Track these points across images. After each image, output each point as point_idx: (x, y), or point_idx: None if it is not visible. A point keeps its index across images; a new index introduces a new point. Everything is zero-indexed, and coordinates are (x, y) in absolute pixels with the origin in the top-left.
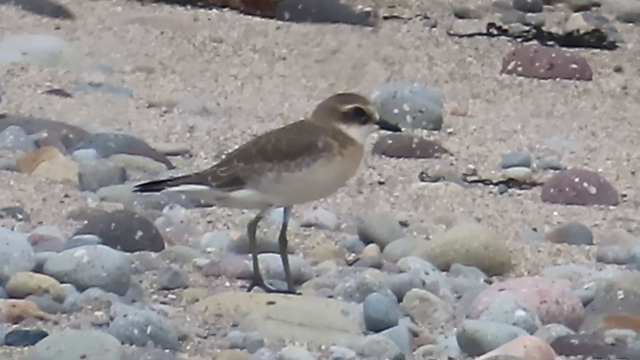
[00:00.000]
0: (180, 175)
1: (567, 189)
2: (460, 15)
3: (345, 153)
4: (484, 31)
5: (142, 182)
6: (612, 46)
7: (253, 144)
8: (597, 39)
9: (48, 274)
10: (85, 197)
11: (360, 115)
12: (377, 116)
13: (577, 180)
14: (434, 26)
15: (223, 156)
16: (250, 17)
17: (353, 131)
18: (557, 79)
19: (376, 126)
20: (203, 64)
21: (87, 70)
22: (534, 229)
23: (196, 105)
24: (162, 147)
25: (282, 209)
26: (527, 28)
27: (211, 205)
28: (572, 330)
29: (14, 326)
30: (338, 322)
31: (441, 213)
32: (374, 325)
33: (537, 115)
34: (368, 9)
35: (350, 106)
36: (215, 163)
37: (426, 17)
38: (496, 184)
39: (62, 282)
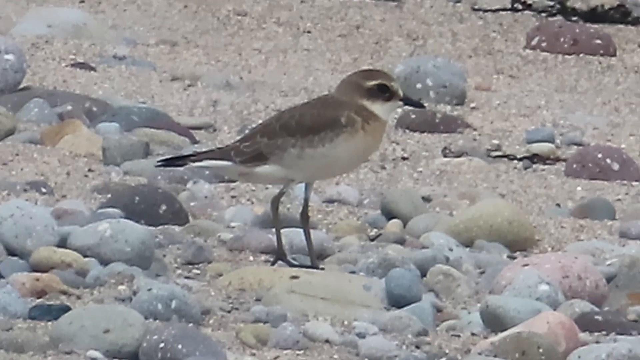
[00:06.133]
0: (203, 150)
1: (591, 165)
2: None
3: (368, 129)
4: (508, 6)
5: (165, 157)
6: (636, 22)
7: (276, 119)
8: (622, 15)
9: (71, 248)
10: (109, 171)
11: (384, 92)
12: (401, 93)
13: (600, 156)
14: (458, 1)
15: (246, 131)
16: None
17: (377, 107)
18: (581, 55)
19: (400, 103)
20: (227, 38)
21: (111, 43)
22: (558, 205)
23: (220, 79)
24: (185, 121)
25: (303, 184)
26: (551, 3)
27: (235, 181)
28: (596, 306)
29: (38, 300)
30: (360, 297)
31: (464, 188)
32: (396, 300)
33: (561, 90)
34: None
35: (375, 82)
36: (238, 138)
37: None
38: (520, 160)
39: (85, 256)
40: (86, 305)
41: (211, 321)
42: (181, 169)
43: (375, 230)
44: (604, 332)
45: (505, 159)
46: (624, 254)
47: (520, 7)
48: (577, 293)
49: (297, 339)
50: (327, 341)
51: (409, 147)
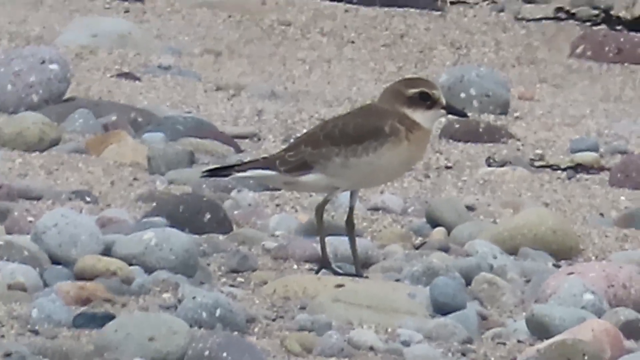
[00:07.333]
0: (248, 160)
1: (635, 174)
2: None
3: (411, 138)
4: (552, 15)
5: (210, 167)
6: None
7: (320, 128)
8: None
9: (116, 256)
10: (154, 180)
11: (426, 100)
12: (443, 101)
13: None
14: (502, 11)
15: (291, 140)
16: (318, 0)
17: (418, 116)
18: (626, 64)
19: (443, 111)
20: (271, 48)
21: (155, 53)
22: (601, 214)
23: (264, 89)
24: (230, 130)
25: (349, 192)
26: (595, 12)
27: (279, 189)
28: None
29: (82, 308)
30: (405, 305)
31: (508, 198)
32: (441, 308)
33: (606, 100)
34: None
35: (416, 90)
36: (282, 147)
37: (493, 2)
38: (564, 169)
39: (130, 265)
40: (131, 313)
41: (256, 329)
42: (226, 178)
43: (419, 238)
44: None
45: (548, 169)
46: None
47: (563, 16)
48: (622, 301)
49: (342, 346)
50: (371, 349)
51: (452, 156)
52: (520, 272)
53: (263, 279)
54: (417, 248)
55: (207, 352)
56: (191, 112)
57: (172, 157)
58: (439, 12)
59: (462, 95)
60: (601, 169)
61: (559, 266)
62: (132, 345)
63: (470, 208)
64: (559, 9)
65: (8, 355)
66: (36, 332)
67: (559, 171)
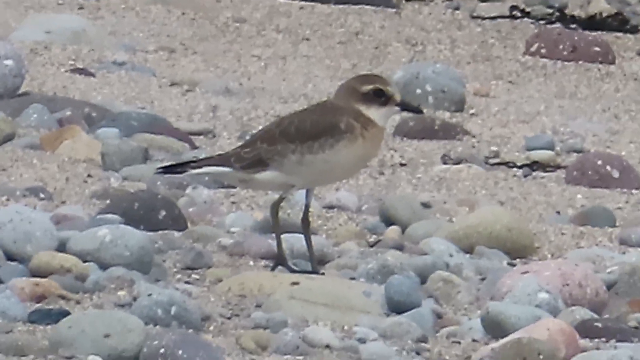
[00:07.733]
0: (202, 157)
1: (590, 172)
2: None
3: (367, 135)
4: (507, 13)
5: (165, 164)
6: (634, 30)
7: (276, 125)
8: (620, 23)
9: (71, 253)
10: (108, 176)
11: (380, 96)
12: (398, 97)
13: (600, 163)
14: (457, 8)
15: (246, 137)
16: None
17: (372, 112)
18: (580, 62)
19: (397, 108)
20: (225, 45)
21: (110, 49)
22: (558, 212)
23: (219, 86)
24: (185, 126)
25: (304, 190)
26: (550, 11)
27: (234, 186)
28: (596, 313)
29: (37, 305)
30: (360, 303)
31: (463, 195)
32: (396, 306)
33: (561, 97)
34: None
35: (370, 87)
36: (238, 144)
37: (449, 0)
38: (520, 167)
39: (84, 262)
40: (86, 310)
41: (211, 327)
42: (181, 175)
43: (374, 236)
44: (604, 339)
45: (504, 166)
46: (624, 262)
47: (518, 14)
48: (578, 300)
49: (297, 344)
50: (327, 347)
51: (407, 154)
52: (475, 270)
53: (218, 276)
54: (372, 246)
55: (162, 350)
56: (145, 108)
57: (127, 154)
58: (394, 10)
59: (418, 91)
60: (557, 166)
61: (514, 264)
62: (87, 342)
63: (425, 205)
64: (514, 7)
65: None
66: None
67: (515, 169)
